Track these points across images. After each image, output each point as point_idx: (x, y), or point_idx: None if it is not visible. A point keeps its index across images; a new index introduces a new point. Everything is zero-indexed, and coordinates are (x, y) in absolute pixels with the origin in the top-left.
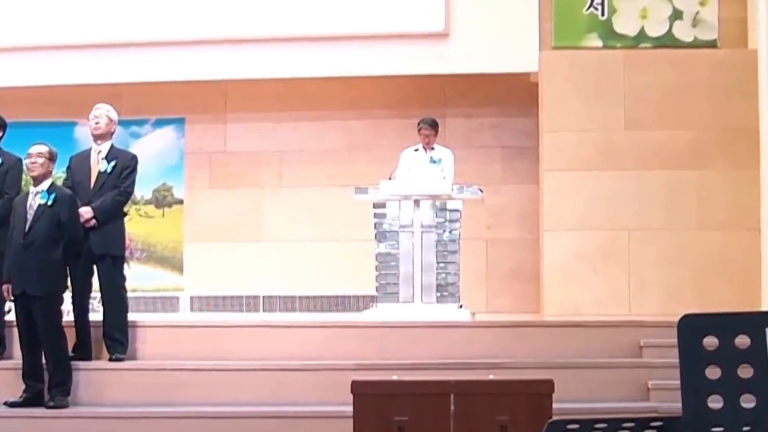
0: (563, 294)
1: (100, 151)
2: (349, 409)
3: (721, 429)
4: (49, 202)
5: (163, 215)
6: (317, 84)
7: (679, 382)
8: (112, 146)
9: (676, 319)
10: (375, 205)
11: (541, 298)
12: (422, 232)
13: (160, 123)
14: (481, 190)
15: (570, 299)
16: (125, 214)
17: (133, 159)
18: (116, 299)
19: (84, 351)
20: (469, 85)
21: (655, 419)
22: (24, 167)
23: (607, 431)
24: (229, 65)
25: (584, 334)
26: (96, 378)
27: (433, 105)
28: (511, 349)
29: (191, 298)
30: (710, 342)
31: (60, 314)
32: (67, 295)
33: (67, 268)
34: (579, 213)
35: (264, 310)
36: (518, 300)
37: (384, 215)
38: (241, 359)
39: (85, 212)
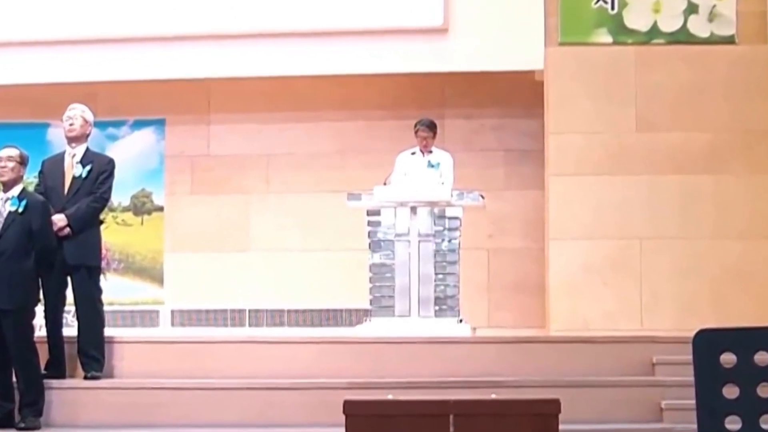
0: (570, 307)
1: (74, 155)
2: (341, 430)
3: None
4: (20, 209)
5: (142, 223)
6: (307, 83)
7: (694, 401)
8: (87, 149)
9: (691, 334)
10: (369, 213)
11: (547, 312)
12: (419, 242)
13: (138, 124)
14: (483, 197)
15: (577, 313)
16: (101, 222)
17: (110, 163)
18: (92, 313)
19: (57, 368)
20: (469, 83)
21: None
22: None
23: None
24: (213, 63)
25: (593, 350)
26: (70, 397)
27: (431, 105)
28: (515, 367)
29: (172, 311)
30: (728, 359)
31: (32, 329)
32: (40, 309)
33: (40, 280)
34: (587, 221)
35: (250, 325)
36: (522, 314)
37: (378, 223)
38: (225, 377)
39: (59, 220)
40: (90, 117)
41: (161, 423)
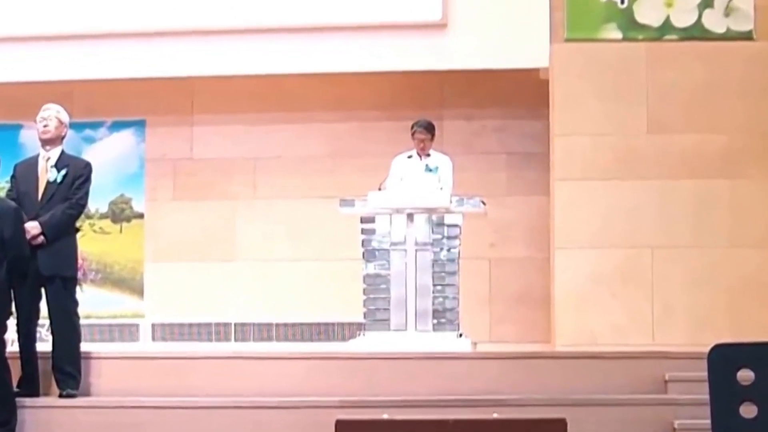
0: (577, 321)
1: (48, 158)
2: None
3: None
4: None
5: (120, 231)
6: (297, 82)
7: (709, 421)
8: (62, 152)
9: (706, 349)
10: (363, 220)
11: (552, 326)
12: (416, 251)
13: (117, 126)
14: (484, 203)
15: (585, 327)
16: (78, 230)
17: (87, 167)
18: (67, 327)
19: (31, 386)
20: (469, 82)
21: None
22: None
23: None
24: (196, 60)
25: (601, 366)
26: (44, 417)
27: (429, 105)
28: (518, 384)
29: (153, 325)
30: (745, 376)
31: (3, 344)
32: (12, 322)
33: (12, 292)
34: (595, 228)
35: (236, 340)
36: (526, 328)
37: (373, 231)
38: (209, 395)
39: (32, 228)
40: (65, 118)
41: None
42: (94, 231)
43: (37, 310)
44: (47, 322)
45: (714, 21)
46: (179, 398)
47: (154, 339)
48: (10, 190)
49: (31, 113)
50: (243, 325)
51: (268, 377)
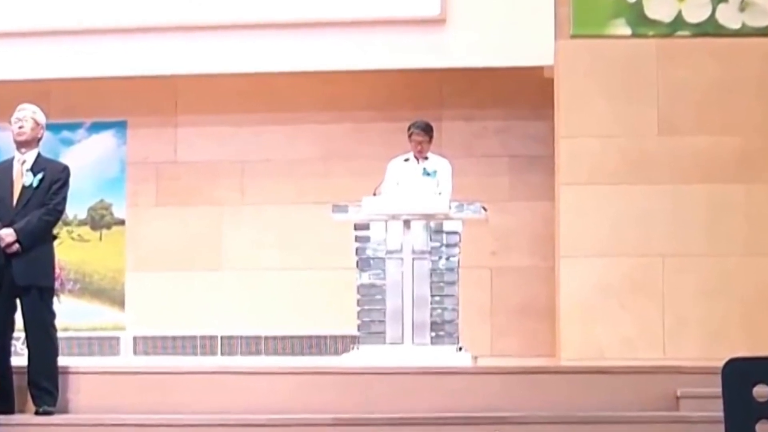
0: (583, 334)
1: (24, 161)
2: None
3: None
4: None
5: (100, 238)
6: (287, 80)
7: None
8: (38, 155)
9: (720, 363)
10: (357, 227)
11: (557, 339)
12: (413, 259)
13: (96, 127)
14: (485, 208)
15: (592, 340)
16: (55, 238)
17: (65, 171)
18: (44, 340)
19: (5, 402)
20: (470, 81)
21: None
22: None
23: None
24: (180, 58)
25: (609, 382)
26: None
27: (427, 105)
28: (521, 400)
29: (135, 338)
30: (761, 392)
31: None
32: None
33: None
34: (603, 236)
35: (223, 354)
36: (529, 341)
37: (367, 238)
38: (195, 412)
39: (7, 235)
40: (42, 119)
41: None
42: (72, 238)
43: (12, 323)
44: (23, 334)
45: (728, 16)
46: (163, 415)
47: (135, 353)
48: None
49: (6, 114)
50: (230, 338)
51: (257, 393)
